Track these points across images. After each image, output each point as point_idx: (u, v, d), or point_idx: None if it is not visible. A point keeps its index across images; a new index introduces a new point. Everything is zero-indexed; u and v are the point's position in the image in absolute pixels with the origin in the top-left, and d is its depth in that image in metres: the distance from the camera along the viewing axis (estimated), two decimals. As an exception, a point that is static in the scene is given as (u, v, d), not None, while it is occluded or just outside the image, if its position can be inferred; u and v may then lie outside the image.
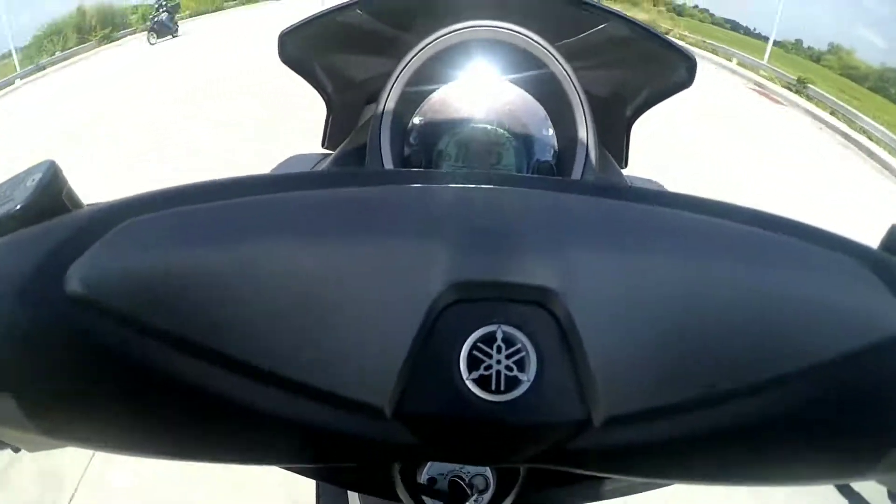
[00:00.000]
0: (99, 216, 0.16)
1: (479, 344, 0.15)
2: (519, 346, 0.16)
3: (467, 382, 0.15)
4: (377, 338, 0.15)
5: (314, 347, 0.15)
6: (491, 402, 0.15)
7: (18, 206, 0.16)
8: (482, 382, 0.15)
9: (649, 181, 0.48)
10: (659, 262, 0.16)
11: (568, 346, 0.16)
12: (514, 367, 0.15)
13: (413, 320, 0.15)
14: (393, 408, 0.15)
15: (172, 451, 0.16)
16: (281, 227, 0.16)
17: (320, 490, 0.42)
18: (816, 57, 9.39)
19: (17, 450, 0.20)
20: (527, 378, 0.15)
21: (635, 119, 0.45)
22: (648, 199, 0.19)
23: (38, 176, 0.18)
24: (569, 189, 0.19)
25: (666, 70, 0.40)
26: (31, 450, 0.19)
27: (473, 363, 0.15)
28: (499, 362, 0.15)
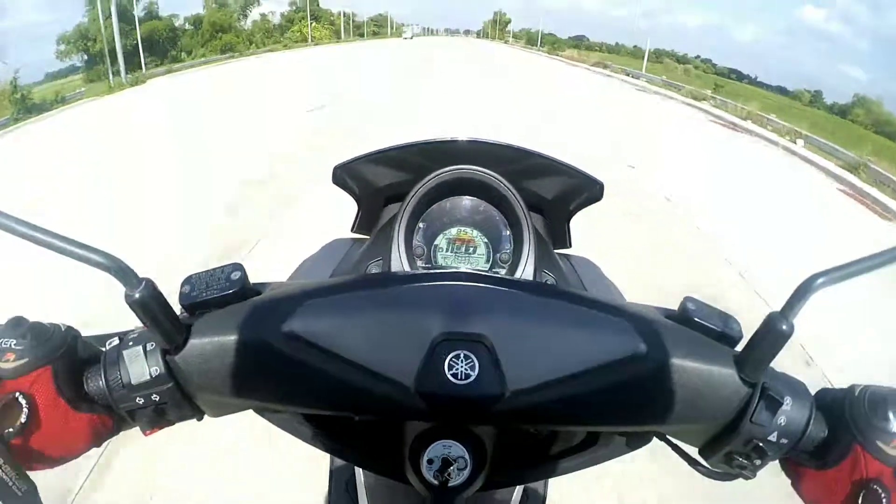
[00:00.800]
0: (290, 299, 0.36)
1: (452, 359, 0.34)
2: (471, 360, 0.34)
3: (448, 376, 0.33)
4: (410, 357, 0.34)
5: (385, 359, 0.34)
6: (458, 384, 0.33)
7: (236, 290, 0.36)
8: (454, 376, 0.34)
9: (583, 259, 0.67)
10: (534, 323, 0.36)
11: (494, 360, 0.34)
12: (469, 370, 0.34)
13: (424, 349, 0.34)
14: (414, 387, 0.33)
15: (319, 406, 0.36)
16: (364, 313, 0.36)
17: (333, 465, 0.61)
18: (840, 111, 9.32)
19: (201, 418, 0.39)
20: (475, 374, 0.33)
21: (574, 214, 0.65)
22: (541, 293, 0.39)
23: (238, 273, 0.37)
24: (501, 285, 0.38)
25: (585, 186, 0.60)
26: (215, 416, 0.39)
27: (450, 367, 0.34)
28: (461, 367, 0.34)
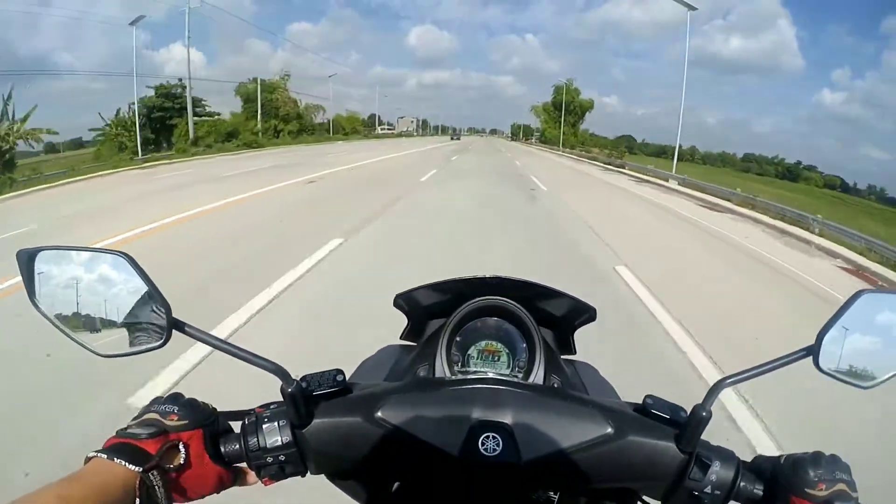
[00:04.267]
0: (379, 394, 0.54)
1: (483, 438, 0.51)
2: (497, 440, 0.50)
3: (481, 451, 0.50)
4: (455, 436, 0.50)
5: (438, 437, 0.51)
6: (488, 456, 0.49)
7: (341, 388, 0.54)
8: (486, 450, 0.50)
9: (584, 363, 0.82)
10: (540, 414, 0.52)
11: (513, 440, 0.50)
12: (496, 446, 0.50)
13: (464, 432, 0.51)
14: (457, 457, 0.50)
15: (392, 465, 0.54)
16: (425, 405, 0.54)
17: None
18: None
19: (305, 475, 0.55)
20: (499, 449, 0.50)
21: (577, 328, 0.82)
22: (544, 394, 0.56)
23: (340, 375, 0.55)
24: (518, 387, 0.55)
25: (583, 309, 0.78)
26: (316, 474, 0.54)
27: (482, 444, 0.50)
28: (491, 443, 0.50)
